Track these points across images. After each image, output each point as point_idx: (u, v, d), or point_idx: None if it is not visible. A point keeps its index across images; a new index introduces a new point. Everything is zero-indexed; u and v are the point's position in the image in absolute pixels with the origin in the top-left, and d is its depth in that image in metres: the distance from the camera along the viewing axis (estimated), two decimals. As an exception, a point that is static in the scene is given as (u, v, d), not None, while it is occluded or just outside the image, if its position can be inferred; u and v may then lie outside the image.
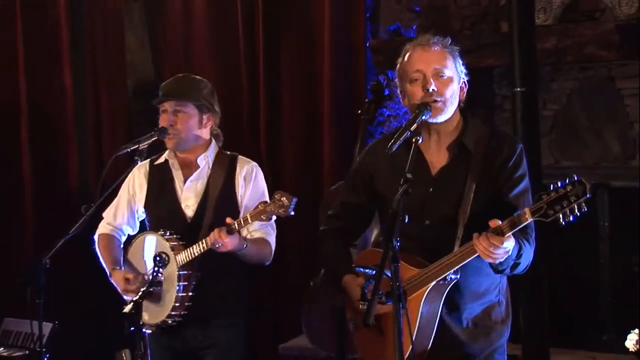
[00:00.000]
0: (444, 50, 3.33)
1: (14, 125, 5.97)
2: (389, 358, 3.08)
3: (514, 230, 3.01)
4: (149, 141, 4.03)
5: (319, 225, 5.04)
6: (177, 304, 3.93)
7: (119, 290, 4.05)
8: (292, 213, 3.70)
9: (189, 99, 4.03)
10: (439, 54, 3.32)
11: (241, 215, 3.97)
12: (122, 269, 4.08)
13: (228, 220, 3.79)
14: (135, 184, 4.17)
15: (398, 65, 3.40)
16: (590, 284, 5.23)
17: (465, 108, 3.43)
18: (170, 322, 3.98)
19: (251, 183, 4.10)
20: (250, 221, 3.74)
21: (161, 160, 4.15)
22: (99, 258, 4.24)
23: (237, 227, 3.76)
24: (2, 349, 4.85)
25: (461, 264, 3.16)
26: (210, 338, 4.10)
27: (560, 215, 2.94)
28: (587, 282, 5.26)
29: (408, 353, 3.13)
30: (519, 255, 3.15)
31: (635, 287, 5.20)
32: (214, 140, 4.16)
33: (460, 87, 3.36)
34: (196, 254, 3.89)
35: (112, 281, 4.10)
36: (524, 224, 3.01)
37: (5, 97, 5.98)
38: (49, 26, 5.99)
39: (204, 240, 3.87)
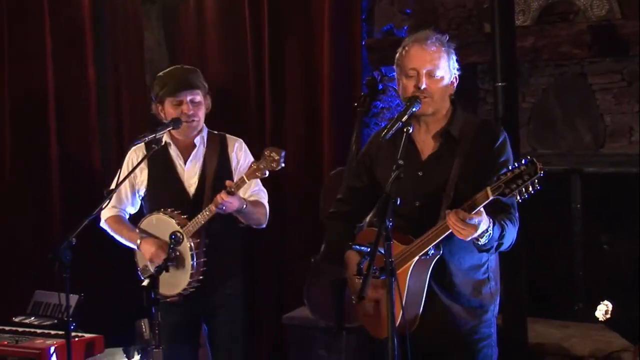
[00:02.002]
0: (440, 50, 3.33)
1: (43, 116, 5.95)
2: (384, 325, 3.10)
3: (477, 208, 3.01)
4: (165, 131, 4.04)
5: (320, 206, 5.08)
6: (193, 271, 3.96)
7: (148, 257, 4.05)
8: (283, 164, 3.69)
9: (199, 87, 4.06)
10: (434, 53, 3.32)
11: (236, 179, 4.00)
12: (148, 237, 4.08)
13: (227, 182, 3.83)
14: (138, 165, 4.11)
15: (397, 55, 3.41)
16: (564, 260, 5.23)
17: (455, 99, 3.43)
18: (190, 288, 3.99)
19: (242, 155, 4.14)
20: (247, 180, 3.77)
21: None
22: (114, 238, 4.26)
23: (236, 188, 3.76)
24: (33, 318, 4.85)
25: (438, 240, 3.17)
26: (213, 301, 4.11)
27: (517, 193, 2.95)
28: (561, 258, 5.26)
29: (399, 320, 3.14)
30: (501, 236, 3.16)
31: (605, 262, 5.21)
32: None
33: (451, 81, 3.37)
34: (202, 222, 3.89)
35: (141, 250, 4.10)
36: (486, 202, 3.00)
37: (35, 91, 5.97)
38: (75, 27, 5.97)
39: (207, 208, 3.88)
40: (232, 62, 5.80)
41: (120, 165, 4.13)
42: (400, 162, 3.07)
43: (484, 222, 3.03)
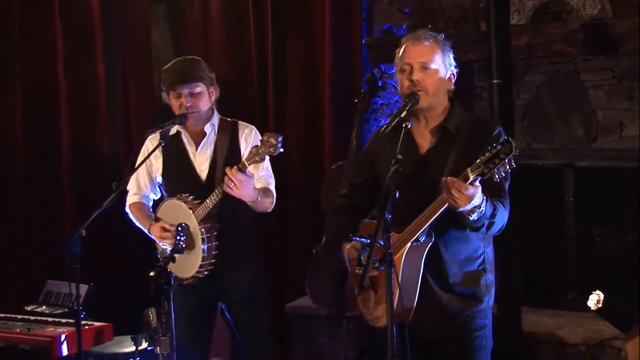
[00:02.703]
0: (434, 45, 3.32)
1: (55, 111, 5.97)
2: (382, 313, 3.11)
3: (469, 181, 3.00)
4: (171, 126, 4.06)
5: (320, 199, 5.08)
6: (205, 255, 3.96)
7: (157, 239, 4.06)
8: (281, 149, 3.68)
9: (199, 80, 4.05)
10: (427, 48, 3.32)
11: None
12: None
13: (227, 169, 3.80)
14: (151, 155, 4.13)
15: (396, 56, 3.39)
16: (558, 251, 5.23)
17: (454, 97, 3.42)
18: (203, 272, 4.00)
19: (251, 141, 4.12)
20: (247, 165, 3.74)
21: (173, 132, 4.15)
22: (134, 223, 4.29)
23: (243, 166, 3.74)
24: (44, 307, 4.87)
25: (428, 224, 3.16)
26: (228, 284, 4.12)
27: (495, 172, 2.94)
28: (554, 249, 5.25)
29: (395, 305, 3.14)
30: (493, 215, 3.14)
31: (596, 254, 5.21)
32: (215, 109, 4.18)
33: (449, 77, 3.35)
34: (211, 206, 3.90)
35: (151, 234, 4.12)
36: (467, 182, 2.98)
37: (47, 87, 5.98)
38: (85, 26, 5.98)
39: (215, 192, 3.88)
40: (236, 59, 5.80)
41: (129, 157, 4.15)
42: (399, 156, 3.07)
43: (477, 196, 3.01)
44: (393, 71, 5.50)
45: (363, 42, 5.48)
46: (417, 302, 3.26)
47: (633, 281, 4.72)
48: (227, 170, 3.79)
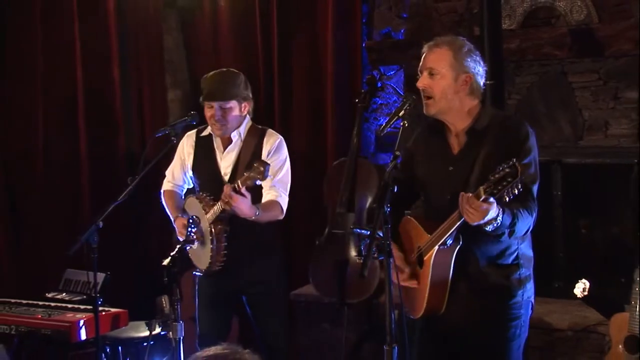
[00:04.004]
0: (445, 50, 3.23)
1: (73, 111, 5.97)
2: (419, 306, 3.16)
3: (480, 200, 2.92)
4: (182, 125, 4.06)
5: (323, 194, 5.09)
6: (212, 254, 3.96)
7: (177, 232, 4.13)
8: (268, 176, 3.67)
9: (231, 98, 4.04)
10: (437, 53, 3.24)
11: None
12: (183, 216, 4.12)
13: (225, 187, 3.82)
14: (185, 151, 4.25)
15: None
16: (546, 242, 5.22)
17: (484, 98, 3.34)
18: (214, 267, 4.02)
19: (273, 154, 4.10)
20: (240, 186, 3.73)
21: (206, 132, 4.20)
22: (165, 208, 4.34)
23: (238, 187, 3.74)
24: (64, 294, 4.89)
25: (452, 230, 3.08)
26: (253, 276, 4.13)
27: (504, 194, 2.85)
28: (543, 241, 5.23)
29: (425, 300, 3.16)
30: (512, 224, 3.05)
31: (582, 245, 5.21)
32: (247, 116, 4.18)
33: (464, 80, 3.23)
34: (218, 212, 3.91)
35: (174, 225, 4.19)
36: (481, 199, 2.90)
37: (65, 88, 5.99)
38: (101, 30, 5.98)
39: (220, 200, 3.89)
40: (244, 61, 5.77)
41: (143, 153, 4.15)
42: (397, 153, 3.05)
43: (492, 211, 2.93)
44: (392, 73, 5.53)
45: (363, 45, 5.49)
46: (449, 296, 3.21)
47: (616, 270, 4.73)
48: (225, 187, 3.80)
